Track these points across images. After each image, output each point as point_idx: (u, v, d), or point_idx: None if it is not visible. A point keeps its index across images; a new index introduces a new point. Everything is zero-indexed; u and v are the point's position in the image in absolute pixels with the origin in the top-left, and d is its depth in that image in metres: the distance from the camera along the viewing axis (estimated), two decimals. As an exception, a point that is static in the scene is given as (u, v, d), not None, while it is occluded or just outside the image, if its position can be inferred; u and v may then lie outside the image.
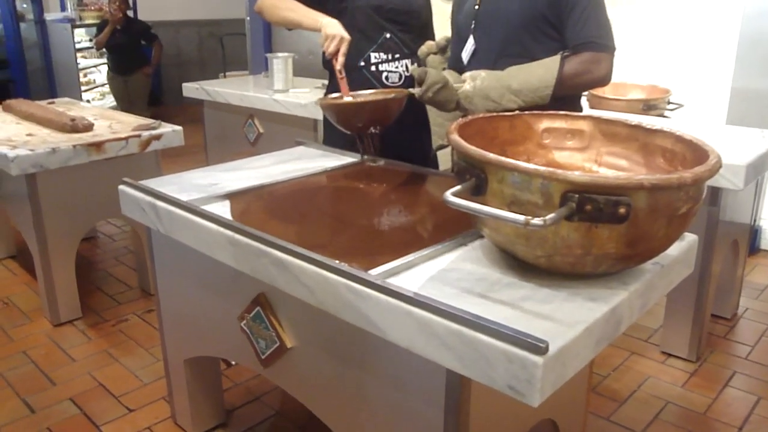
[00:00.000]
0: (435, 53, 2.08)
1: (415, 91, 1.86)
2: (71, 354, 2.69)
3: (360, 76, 2.23)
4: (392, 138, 2.28)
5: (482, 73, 1.84)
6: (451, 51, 2.15)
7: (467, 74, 1.86)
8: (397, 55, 2.26)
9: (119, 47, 6.03)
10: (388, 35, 2.25)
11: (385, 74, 2.24)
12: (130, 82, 6.12)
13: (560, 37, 1.88)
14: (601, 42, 1.83)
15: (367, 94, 2.06)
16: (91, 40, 7.51)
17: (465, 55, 2.04)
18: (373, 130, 1.96)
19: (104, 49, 6.21)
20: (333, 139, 2.37)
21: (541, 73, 1.79)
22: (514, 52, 1.92)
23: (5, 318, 3.00)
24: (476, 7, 2.00)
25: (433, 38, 2.34)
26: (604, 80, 1.86)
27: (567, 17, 1.85)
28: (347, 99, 1.97)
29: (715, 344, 2.77)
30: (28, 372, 2.56)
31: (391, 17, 2.24)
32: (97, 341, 2.79)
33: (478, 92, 1.81)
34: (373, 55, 2.25)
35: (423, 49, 2.13)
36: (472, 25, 2.01)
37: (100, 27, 6.17)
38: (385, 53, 2.26)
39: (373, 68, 2.25)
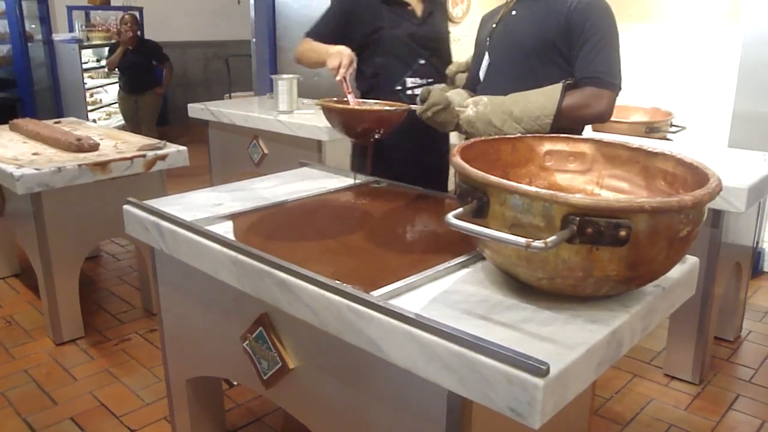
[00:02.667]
0: (463, 72, 2.21)
1: (416, 108, 1.88)
2: (73, 373, 2.68)
3: (397, 99, 2.30)
4: (415, 159, 2.36)
5: (484, 99, 1.86)
6: (470, 70, 2.20)
7: (470, 100, 1.88)
8: (431, 80, 2.36)
9: (131, 67, 6.07)
10: (422, 61, 2.36)
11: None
12: (141, 102, 6.14)
13: (568, 67, 1.90)
14: (606, 79, 1.85)
15: (371, 104, 2.08)
16: (98, 61, 7.58)
17: (481, 73, 2.08)
18: (375, 137, 1.97)
19: (116, 70, 6.25)
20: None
21: (542, 101, 1.81)
22: (521, 75, 1.95)
23: (7, 336, 3.00)
24: (494, 26, 2.05)
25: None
26: (604, 116, 1.88)
27: (579, 49, 1.87)
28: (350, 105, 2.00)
29: (718, 367, 2.76)
30: (30, 391, 2.56)
31: (423, 44, 2.36)
32: (99, 360, 2.79)
33: (481, 117, 1.82)
34: (409, 80, 2.36)
35: (451, 68, 2.24)
36: (488, 43, 2.05)
37: (112, 48, 6.22)
38: (420, 78, 2.36)
39: (409, 92, 2.34)
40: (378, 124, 1.92)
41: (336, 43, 2.23)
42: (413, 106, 1.89)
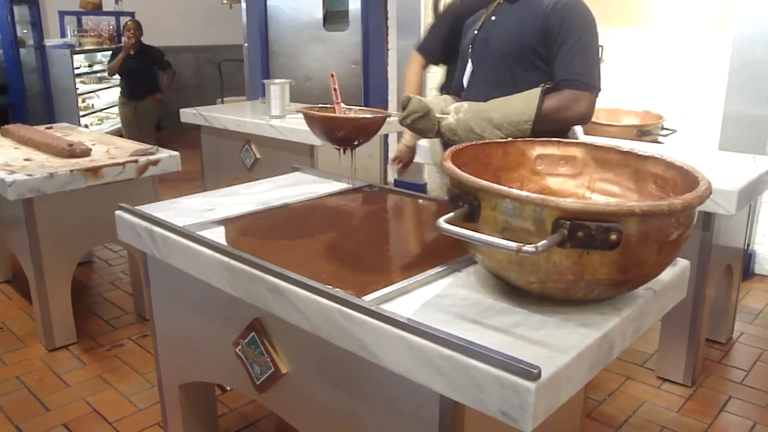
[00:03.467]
0: None
1: (396, 115, 1.89)
2: (65, 379, 2.67)
3: None
4: None
5: (465, 105, 1.87)
6: (456, 76, 2.20)
7: (452, 106, 1.89)
8: None
9: (132, 73, 6.04)
10: None
11: None
12: (140, 107, 6.10)
13: (549, 70, 1.91)
14: (584, 81, 1.86)
15: (354, 111, 2.09)
16: (90, 66, 7.56)
17: (465, 80, 2.08)
18: (356, 144, 1.99)
19: (117, 75, 6.21)
20: None
21: (521, 107, 1.82)
22: (503, 80, 1.96)
23: (-1, 343, 2.99)
24: (475, 32, 2.06)
25: None
26: (583, 119, 1.89)
27: (556, 51, 1.88)
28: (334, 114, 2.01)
29: (710, 369, 2.77)
30: (22, 397, 2.54)
31: None
32: (92, 366, 2.78)
33: (461, 124, 1.83)
34: None
35: None
36: (470, 50, 2.06)
37: (114, 53, 6.19)
38: None
39: None
40: (357, 131, 1.94)
41: (444, 54, 2.58)
42: (393, 114, 1.90)
